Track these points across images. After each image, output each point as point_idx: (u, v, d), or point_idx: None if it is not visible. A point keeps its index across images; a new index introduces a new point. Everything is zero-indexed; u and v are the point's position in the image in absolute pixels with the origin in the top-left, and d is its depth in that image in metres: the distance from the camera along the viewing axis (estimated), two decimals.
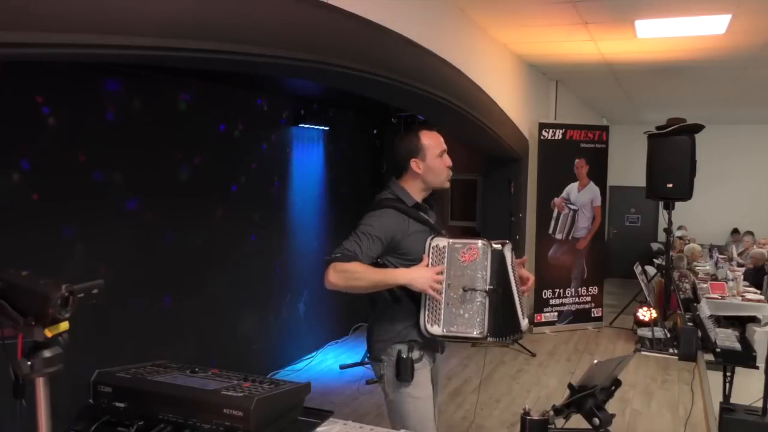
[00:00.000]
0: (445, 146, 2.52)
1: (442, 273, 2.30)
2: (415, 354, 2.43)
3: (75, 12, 1.94)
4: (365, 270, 2.28)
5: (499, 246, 2.40)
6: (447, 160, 2.51)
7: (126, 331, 4.00)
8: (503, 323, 2.38)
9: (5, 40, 1.77)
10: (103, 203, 3.92)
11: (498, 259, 2.38)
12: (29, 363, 1.36)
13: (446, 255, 2.33)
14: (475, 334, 2.30)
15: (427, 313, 2.34)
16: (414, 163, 2.46)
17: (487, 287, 2.32)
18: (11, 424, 1.37)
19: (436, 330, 2.32)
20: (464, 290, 2.30)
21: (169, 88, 4.44)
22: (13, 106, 3.38)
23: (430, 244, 2.37)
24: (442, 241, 2.36)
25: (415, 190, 2.50)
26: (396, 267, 2.38)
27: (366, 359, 2.61)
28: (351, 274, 2.26)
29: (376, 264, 2.37)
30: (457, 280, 2.32)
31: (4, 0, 1.75)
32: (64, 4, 1.92)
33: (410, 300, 2.40)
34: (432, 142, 2.49)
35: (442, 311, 2.31)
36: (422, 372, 2.46)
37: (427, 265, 2.33)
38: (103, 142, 3.91)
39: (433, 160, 2.47)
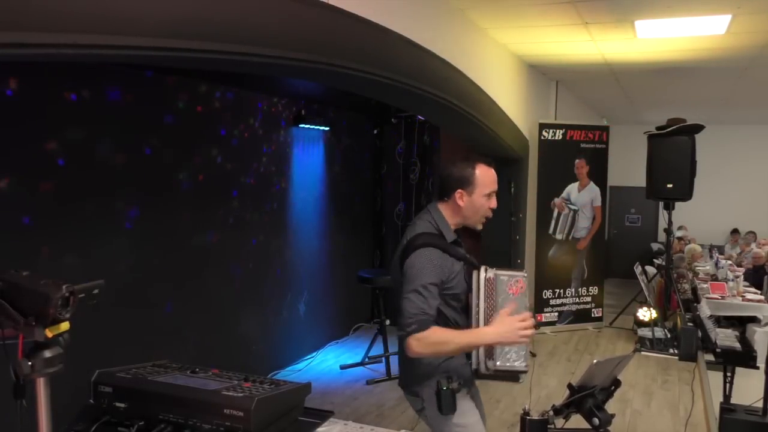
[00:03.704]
0: (496, 187, 2.40)
1: (525, 320, 2.20)
2: (454, 384, 2.32)
3: (75, 12, 1.94)
4: (450, 335, 2.19)
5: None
6: (493, 202, 2.40)
7: (126, 331, 4.00)
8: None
9: (5, 40, 1.77)
10: (104, 204, 3.92)
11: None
12: (30, 363, 1.36)
13: (496, 287, 2.27)
14: (522, 367, 2.27)
15: (485, 348, 2.25)
16: (459, 194, 2.34)
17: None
18: (12, 424, 1.37)
19: (491, 365, 2.25)
20: None
21: (168, 89, 4.44)
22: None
23: (484, 277, 2.27)
24: (490, 273, 2.28)
25: (452, 222, 2.40)
26: (441, 307, 2.29)
27: (366, 360, 2.57)
28: (436, 341, 2.15)
29: None
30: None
31: (4, 0, 1.75)
32: (64, 4, 1.92)
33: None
34: (486, 179, 2.36)
35: (496, 346, 2.24)
36: (464, 399, 2.37)
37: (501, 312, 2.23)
38: (102, 142, 3.91)
39: (479, 198, 2.35)
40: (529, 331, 2.19)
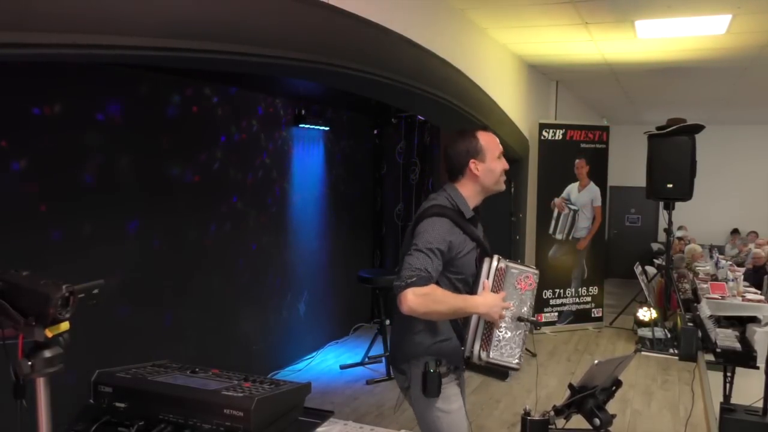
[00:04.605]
0: (501, 148, 2.43)
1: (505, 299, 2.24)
2: (443, 368, 2.31)
3: (75, 12, 1.94)
4: (445, 295, 2.18)
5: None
6: (504, 163, 2.43)
7: (126, 331, 4.00)
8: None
9: (5, 40, 1.77)
10: (104, 204, 3.91)
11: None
12: (30, 363, 1.36)
13: (505, 279, 2.27)
14: (514, 364, 2.28)
15: (482, 338, 2.24)
16: (473, 165, 2.36)
17: (532, 318, 2.31)
18: (12, 424, 1.37)
19: (484, 356, 2.24)
20: (519, 320, 2.27)
21: (169, 88, 4.44)
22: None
23: (495, 266, 2.27)
24: (502, 263, 2.29)
25: (471, 195, 2.41)
26: (445, 284, 2.28)
27: (366, 360, 2.57)
28: (432, 298, 2.13)
29: None
30: (513, 307, 2.27)
31: (4, 0, 1.75)
32: (65, 4, 1.92)
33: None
34: (491, 143, 2.39)
35: (493, 338, 2.24)
36: (450, 385, 2.36)
37: (491, 290, 2.24)
38: (103, 143, 3.91)
39: (492, 162, 2.38)
40: (505, 312, 2.22)
